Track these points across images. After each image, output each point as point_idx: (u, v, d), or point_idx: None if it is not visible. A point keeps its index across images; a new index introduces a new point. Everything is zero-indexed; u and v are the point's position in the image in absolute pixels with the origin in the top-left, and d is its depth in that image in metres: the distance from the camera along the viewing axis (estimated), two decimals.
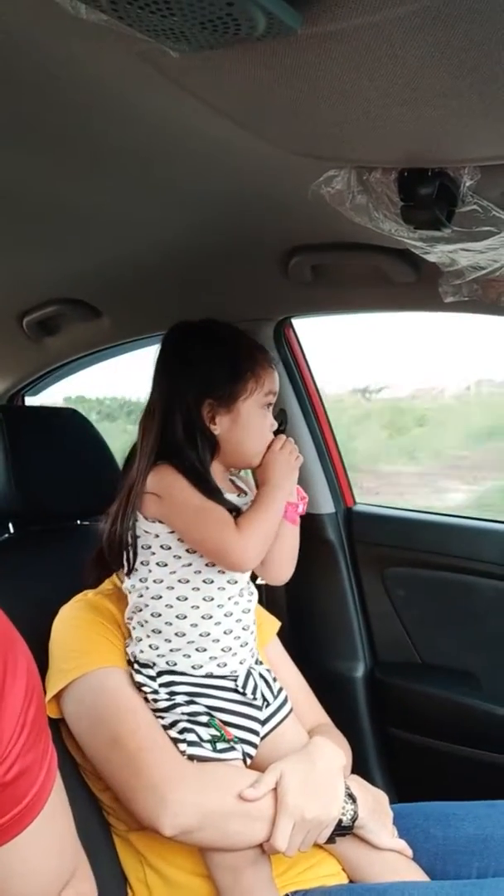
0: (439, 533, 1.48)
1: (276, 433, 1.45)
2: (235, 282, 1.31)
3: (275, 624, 1.21)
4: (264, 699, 1.03)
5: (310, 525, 1.52)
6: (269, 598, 1.47)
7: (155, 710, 0.96)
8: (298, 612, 1.54)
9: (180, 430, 0.99)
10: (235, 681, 1.01)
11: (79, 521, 1.35)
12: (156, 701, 0.97)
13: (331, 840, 0.96)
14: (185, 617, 0.98)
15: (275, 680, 1.08)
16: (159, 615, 0.99)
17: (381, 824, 1.00)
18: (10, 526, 1.36)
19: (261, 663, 1.08)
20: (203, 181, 0.91)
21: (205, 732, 0.95)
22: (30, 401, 1.99)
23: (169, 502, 0.97)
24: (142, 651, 0.99)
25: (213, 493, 0.97)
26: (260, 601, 1.23)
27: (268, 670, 1.08)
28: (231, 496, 1.01)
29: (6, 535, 1.35)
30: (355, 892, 0.97)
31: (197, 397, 0.99)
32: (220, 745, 0.95)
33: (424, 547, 1.47)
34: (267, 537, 0.98)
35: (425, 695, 1.43)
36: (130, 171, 0.89)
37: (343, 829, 0.96)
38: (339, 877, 1.02)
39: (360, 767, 1.16)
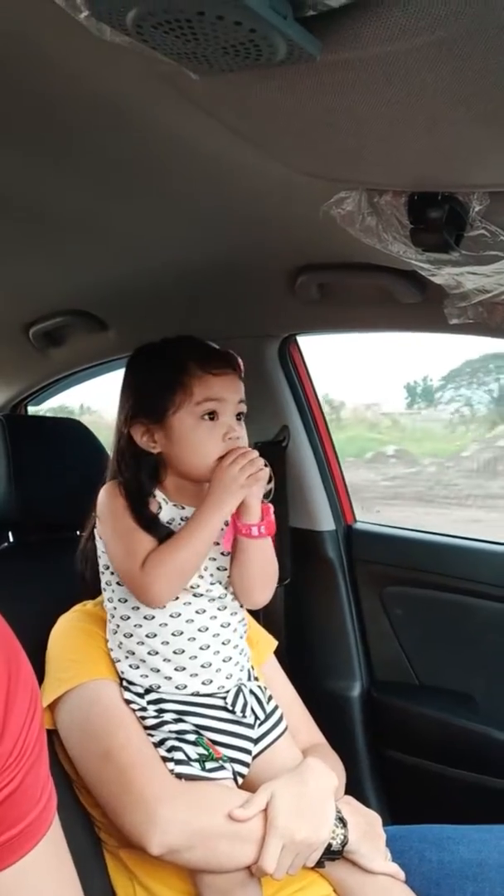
0: (438, 553, 1.48)
1: (277, 448, 1.44)
2: (241, 298, 1.32)
3: (271, 643, 1.20)
4: (255, 717, 1.02)
5: (310, 542, 1.53)
6: (266, 615, 1.46)
7: (144, 728, 0.96)
8: (296, 629, 1.54)
9: (117, 452, 1.00)
10: (225, 699, 1.00)
11: (78, 532, 1.35)
12: (144, 718, 0.96)
13: (319, 864, 0.95)
14: (156, 635, 0.97)
15: (270, 699, 1.07)
16: (130, 636, 0.98)
17: (373, 848, 0.99)
18: (10, 535, 1.36)
19: (256, 679, 1.08)
20: (214, 198, 0.92)
21: (192, 751, 0.94)
22: (32, 411, 2.00)
23: (101, 523, 0.98)
24: (123, 672, 0.98)
25: (144, 518, 0.95)
26: (257, 618, 1.23)
27: (259, 687, 1.06)
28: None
29: (6, 544, 1.35)
30: None
31: (127, 419, 0.98)
32: (208, 765, 0.94)
33: (423, 566, 1.46)
34: (180, 572, 0.94)
35: (422, 716, 1.42)
36: (141, 187, 0.90)
37: (332, 854, 0.95)
38: None
39: (354, 788, 1.15)
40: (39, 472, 1.29)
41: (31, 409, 1.98)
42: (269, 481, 1.51)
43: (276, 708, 1.07)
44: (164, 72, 0.56)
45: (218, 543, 0.99)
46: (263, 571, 1.02)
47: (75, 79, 0.64)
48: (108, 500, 0.97)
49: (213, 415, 0.96)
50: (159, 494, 1.00)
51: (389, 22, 0.44)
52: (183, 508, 0.99)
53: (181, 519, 0.99)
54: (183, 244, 1.11)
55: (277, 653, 1.21)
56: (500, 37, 0.46)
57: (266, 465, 0.97)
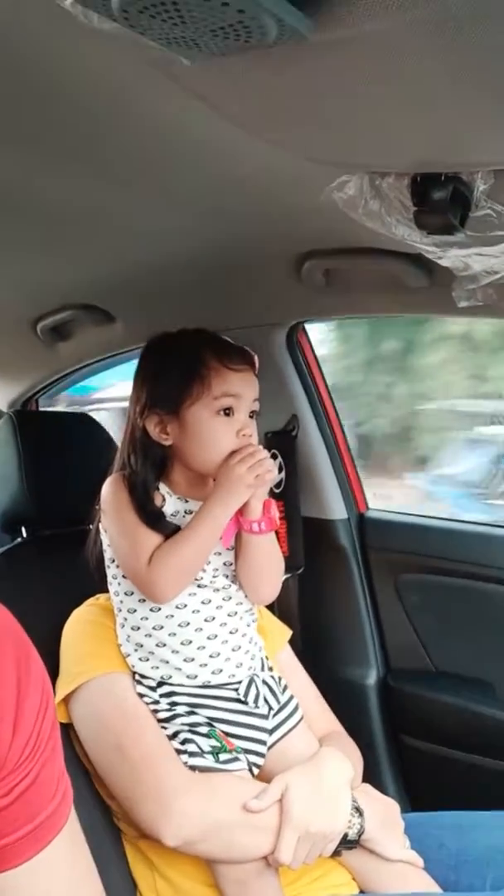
0: (453, 539, 1.46)
1: (287, 438, 1.43)
2: (248, 286, 1.31)
3: (285, 632, 1.20)
4: (269, 707, 1.02)
5: (322, 531, 1.52)
6: (280, 605, 1.46)
7: (158, 721, 0.96)
8: (311, 618, 1.53)
9: (127, 443, 0.99)
10: (237, 689, 1.00)
11: (91, 526, 1.35)
12: (156, 711, 0.96)
13: (336, 853, 0.95)
14: (162, 627, 0.97)
15: (285, 689, 1.07)
16: (138, 628, 0.98)
17: (390, 836, 0.99)
18: (23, 530, 1.36)
19: (270, 669, 1.07)
20: (215, 187, 0.91)
21: (205, 743, 0.94)
22: (44, 405, 2.00)
23: (106, 518, 0.98)
24: (133, 665, 0.98)
25: (148, 514, 0.95)
26: (271, 608, 1.23)
27: (272, 677, 1.06)
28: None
29: (19, 540, 1.35)
30: None
31: (142, 411, 0.97)
32: (222, 756, 0.94)
33: (438, 553, 1.45)
34: (185, 569, 0.94)
35: (438, 703, 1.42)
36: (141, 179, 0.89)
37: (349, 843, 0.95)
38: (349, 886, 1.01)
39: (372, 776, 1.15)
40: (51, 466, 1.29)
41: (43, 404, 1.99)
42: (280, 471, 1.51)
43: (291, 698, 1.07)
44: (157, 59, 0.55)
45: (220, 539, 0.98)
46: (268, 567, 1.02)
47: (73, 73, 0.64)
48: (111, 494, 0.98)
49: (228, 410, 0.96)
50: (163, 487, 1.00)
51: None
52: (187, 502, 0.99)
53: (185, 512, 0.98)
54: (186, 234, 1.10)
55: (292, 642, 1.20)
56: (497, 9, 0.44)
57: (272, 468, 0.96)
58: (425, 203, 0.74)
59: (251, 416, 0.99)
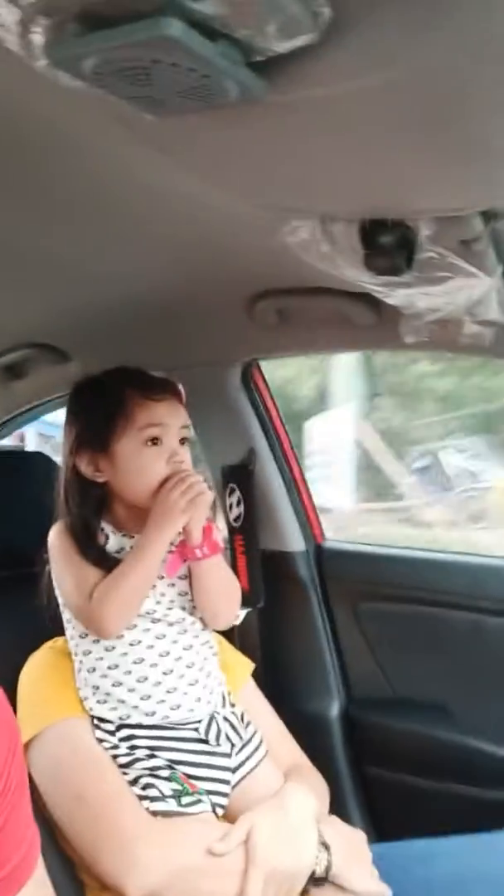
0: (409, 567, 1.50)
1: (244, 471, 1.44)
2: (202, 326, 1.34)
3: (247, 666, 1.20)
4: (231, 744, 1.01)
5: (282, 564, 1.54)
6: (242, 639, 1.46)
7: (119, 766, 0.94)
8: (272, 651, 1.54)
9: (63, 486, 1.01)
10: (197, 729, 0.99)
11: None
12: (116, 756, 0.95)
13: (304, 891, 0.94)
14: (118, 666, 0.97)
15: (248, 724, 1.06)
16: (93, 670, 0.98)
17: (358, 869, 0.98)
18: None
19: (233, 705, 1.07)
20: (170, 230, 0.93)
21: (167, 787, 0.93)
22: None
23: (52, 563, 1.00)
24: (91, 708, 0.97)
25: (91, 552, 0.96)
26: (232, 641, 1.23)
27: (234, 713, 1.05)
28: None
29: None
30: None
31: (73, 451, 0.99)
32: (185, 799, 0.93)
33: (395, 581, 1.48)
34: (126, 601, 0.95)
35: (401, 730, 1.43)
36: (96, 220, 0.91)
37: (316, 880, 0.94)
38: None
39: (337, 807, 1.15)
40: (6, 506, 1.28)
41: None
42: (238, 504, 1.52)
43: (254, 733, 1.06)
44: (118, 113, 0.58)
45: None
46: (223, 591, 1.03)
47: (27, 117, 0.65)
48: (55, 541, 0.99)
49: (156, 440, 0.98)
50: (106, 526, 1.01)
51: (334, 65, 0.47)
52: (132, 538, 1.00)
53: (130, 548, 0.99)
54: (141, 276, 1.13)
55: (255, 676, 1.20)
56: (437, 76, 0.49)
57: (205, 491, 0.97)
58: (374, 246, 0.79)
59: (182, 444, 1.00)
